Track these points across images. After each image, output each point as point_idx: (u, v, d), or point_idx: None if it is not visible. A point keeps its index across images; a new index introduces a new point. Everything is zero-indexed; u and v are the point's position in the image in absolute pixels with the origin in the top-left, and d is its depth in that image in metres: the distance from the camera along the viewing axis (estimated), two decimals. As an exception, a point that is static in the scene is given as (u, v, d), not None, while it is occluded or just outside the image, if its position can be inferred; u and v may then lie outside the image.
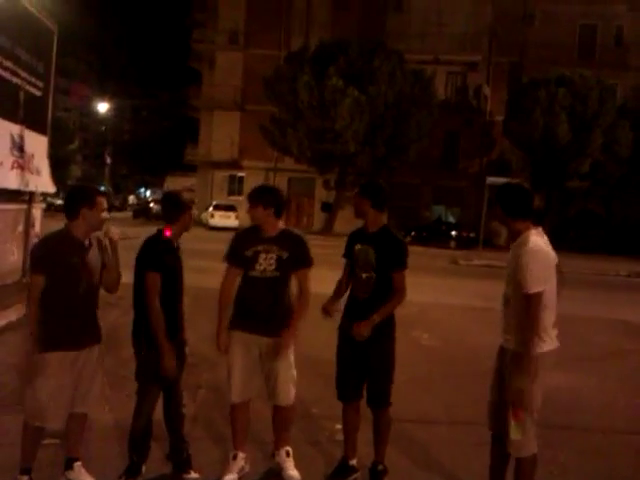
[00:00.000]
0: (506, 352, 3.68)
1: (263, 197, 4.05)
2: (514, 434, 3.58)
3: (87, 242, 3.74)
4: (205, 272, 4.33)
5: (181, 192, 4.18)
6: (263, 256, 4.01)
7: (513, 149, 33.57)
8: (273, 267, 4.01)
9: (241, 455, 4.07)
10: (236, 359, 4.04)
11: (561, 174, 32.54)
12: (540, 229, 3.70)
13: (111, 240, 3.82)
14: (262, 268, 4.01)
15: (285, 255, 4.03)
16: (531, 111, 32.16)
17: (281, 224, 4.12)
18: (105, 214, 3.77)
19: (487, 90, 38.15)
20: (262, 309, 4.01)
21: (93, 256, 3.76)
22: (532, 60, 37.10)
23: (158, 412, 4.04)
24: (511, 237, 3.76)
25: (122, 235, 4.10)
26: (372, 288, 4.04)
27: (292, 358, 4.10)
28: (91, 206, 3.68)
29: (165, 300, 3.80)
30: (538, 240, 3.61)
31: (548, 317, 3.57)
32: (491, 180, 23.97)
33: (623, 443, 5.30)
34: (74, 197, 3.75)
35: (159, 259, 3.82)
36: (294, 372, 4.11)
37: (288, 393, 4.09)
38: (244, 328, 4.04)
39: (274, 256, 4.02)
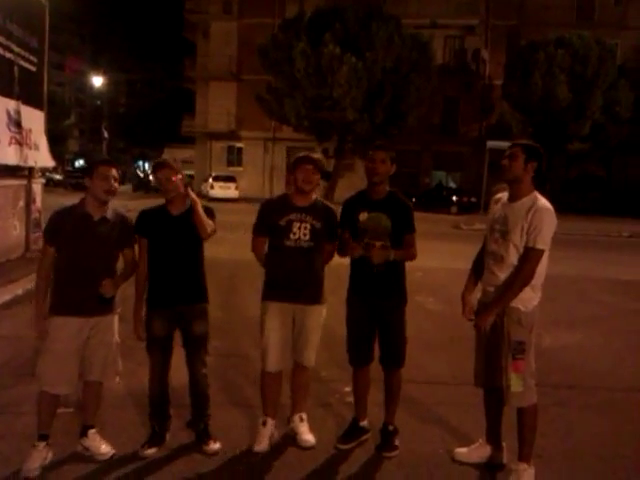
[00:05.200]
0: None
1: (323, 168, 4.09)
2: (515, 386, 3.65)
3: (99, 216, 3.76)
4: (215, 243, 4.30)
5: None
6: (297, 225, 3.99)
7: (513, 112, 33.22)
8: (308, 237, 3.99)
9: (270, 422, 4.12)
10: (273, 332, 4.04)
11: (561, 136, 32.29)
12: None
13: (192, 200, 3.85)
14: (296, 237, 3.99)
15: (318, 225, 4.02)
16: (530, 74, 31.78)
17: (314, 195, 4.14)
18: (115, 184, 3.76)
19: (485, 54, 37.68)
20: (297, 278, 4.00)
21: (106, 230, 3.77)
22: (530, 22, 36.55)
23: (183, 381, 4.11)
24: (511, 196, 3.77)
25: (125, 208, 4.12)
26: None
27: (321, 324, 4.16)
28: (91, 176, 3.74)
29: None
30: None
31: (541, 276, 3.70)
32: (491, 144, 23.94)
33: (629, 400, 5.34)
34: (82, 170, 3.78)
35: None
36: (319, 336, 4.17)
37: (313, 355, 4.15)
38: (279, 298, 4.04)
39: (308, 226, 4.00)
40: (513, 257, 3.66)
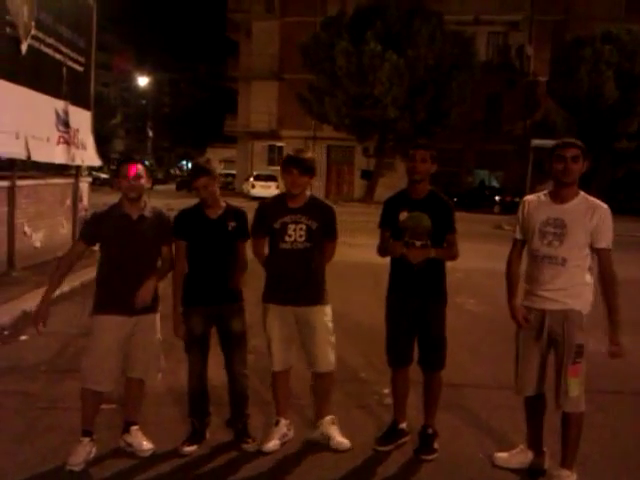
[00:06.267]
0: (553, 313, 3.64)
1: (313, 168, 3.99)
2: (573, 390, 3.60)
3: (137, 215, 3.81)
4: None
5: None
6: (292, 227, 3.95)
7: (558, 110, 32.63)
8: (303, 238, 3.95)
9: (283, 422, 4.12)
10: (274, 331, 4.06)
11: (608, 134, 31.55)
12: None
13: None
14: (292, 239, 3.95)
15: (315, 225, 3.98)
16: (576, 70, 31.15)
17: (308, 193, 4.07)
18: (139, 182, 3.78)
19: (530, 50, 37.02)
20: (295, 281, 3.96)
21: (145, 229, 3.81)
22: (576, 17, 35.78)
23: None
24: (560, 197, 3.68)
25: (167, 207, 4.18)
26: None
27: (330, 324, 4.09)
28: (117, 174, 3.82)
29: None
30: None
31: None
32: (536, 142, 23.47)
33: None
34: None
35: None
36: (332, 338, 4.10)
37: (327, 359, 4.08)
38: (278, 301, 4.03)
39: (303, 227, 3.95)
40: (576, 259, 3.60)
